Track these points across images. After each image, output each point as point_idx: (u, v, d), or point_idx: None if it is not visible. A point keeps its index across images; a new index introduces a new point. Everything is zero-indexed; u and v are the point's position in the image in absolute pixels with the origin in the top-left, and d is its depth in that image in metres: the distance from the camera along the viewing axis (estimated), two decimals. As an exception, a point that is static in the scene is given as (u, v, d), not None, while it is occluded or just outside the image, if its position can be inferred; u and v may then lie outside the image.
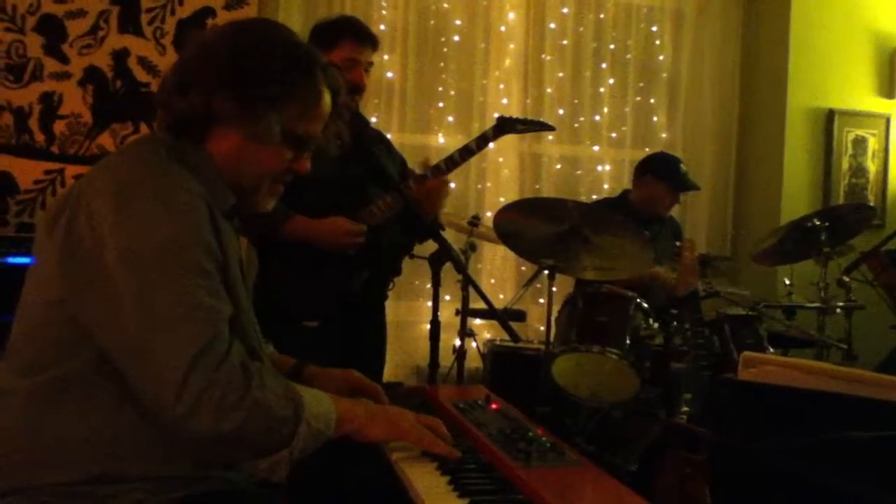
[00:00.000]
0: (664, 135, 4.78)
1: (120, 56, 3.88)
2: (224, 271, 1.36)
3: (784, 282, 3.77)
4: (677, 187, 3.76)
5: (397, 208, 2.72)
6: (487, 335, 4.16)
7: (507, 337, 2.50)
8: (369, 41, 2.76)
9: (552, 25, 4.57)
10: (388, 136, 4.33)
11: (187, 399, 1.21)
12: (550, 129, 3.04)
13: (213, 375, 1.23)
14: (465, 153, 2.80)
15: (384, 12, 4.37)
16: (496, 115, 2.93)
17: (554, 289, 2.90)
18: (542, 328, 3.29)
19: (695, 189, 3.92)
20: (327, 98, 1.49)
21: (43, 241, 1.36)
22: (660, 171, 3.78)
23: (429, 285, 2.55)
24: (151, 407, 1.26)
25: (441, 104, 4.44)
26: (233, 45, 1.42)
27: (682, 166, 3.83)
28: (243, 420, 1.25)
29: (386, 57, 4.36)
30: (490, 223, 3.26)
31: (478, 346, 3.75)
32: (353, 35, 2.72)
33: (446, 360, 3.18)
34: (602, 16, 4.64)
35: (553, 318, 2.96)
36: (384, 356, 2.98)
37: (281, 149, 1.46)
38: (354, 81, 2.70)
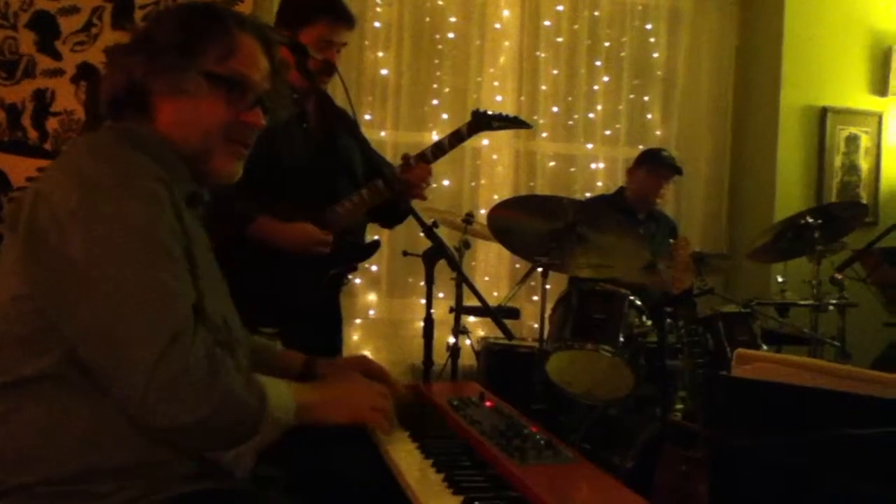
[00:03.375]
0: (658, 132, 4.78)
1: (113, 53, 3.86)
2: (190, 257, 1.36)
3: (777, 279, 3.78)
4: (656, 168, 3.92)
5: (364, 209, 2.64)
6: (481, 332, 4.17)
7: (501, 334, 2.49)
8: (345, 20, 2.61)
9: (547, 23, 4.57)
10: (383, 133, 4.35)
11: (155, 390, 1.21)
12: (527, 126, 2.95)
13: (180, 366, 1.23)
14: (437, 151, 2.70)
15: (378, 9, 4.37)
16: (473, 110, 2.85)
17: (548, 286, 2.90)
18: (536, 325, 3.29)
19: (675, 170, 3.97)
20: (248, 41, 1.48)
21: (9, 238, 1.35)
22: (638, 160, 4.01)
23: (422, 283, 2.54)
24: (119, 399, 1.26)
25: (435, 101, 4.44)
26: (144, 22, 1.50)
27: (665, 152, 3.99)
28: (211, 411, 1.25)
29: (380, 54, 4.35)
30: (484, 221, 3.26)
31: (472, 344, 3.75)
32: (327, 14, 2.57)
33: (440, 357, 3.16)
34: (597, 13, 4.64)
35: (547, 316, 2.96)
36: (340, 347, 2.93)
37: (214, 96, 1.44)
38: (327, 61, 2.55)
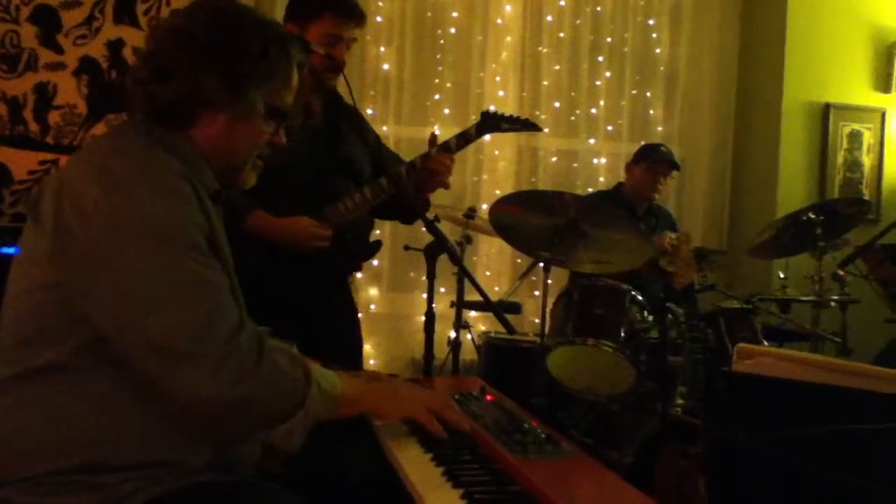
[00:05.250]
0: (660, 128, 4.78)
1: (115, 46, 3.86)
2: (216, 250, 1.37)
3: (779, 275, 3.78)
4: (654, 164, 3.90)
5: (366, 208, 2.60)
6: (483, 327, 4.16)
7: (502, 329, 2.49)
8: (354, 16, 2.55)
9: (549, 18, 4.56)
10: (385, 128, 4.35)
11: (205, 369, 1.24)
12: (537, 129, 2.88)
13: (228, 344, 1.26)
14: (444, 150, 2.62)
15: (381, 4, 4.37)
16: (482, 111, 2.77)
17: (549, 281, 2.89)
18: (537, 320, 3.29)
19: (673, 166, 3.96)
20: (296, 70, 1.51)
21: (28, 230, 1.36)
22: (636, 156, 3.99)
23: (424, 277, 2.54)
24: (167, 385, 1.27)
25: (437, 96, 4.43)
26: (210, 27, 1.41)
27: (662, 148, 3.97)
28: (260, 383, 1.29)
29: (382, 49, 4.35)
30: (486, 216, 3.26)
31: (473, 339, 3.75)
32: (335, 9, 2.52)
33: (441, 352, 3.18)
34: (599, 9, 4.63)
35: (548, 311, 2.96)
36: (359, 348, 2.86)
37: (265, 124, 1.48)
38: (334, 59, 2.53)
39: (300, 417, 1.34)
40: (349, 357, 2.69)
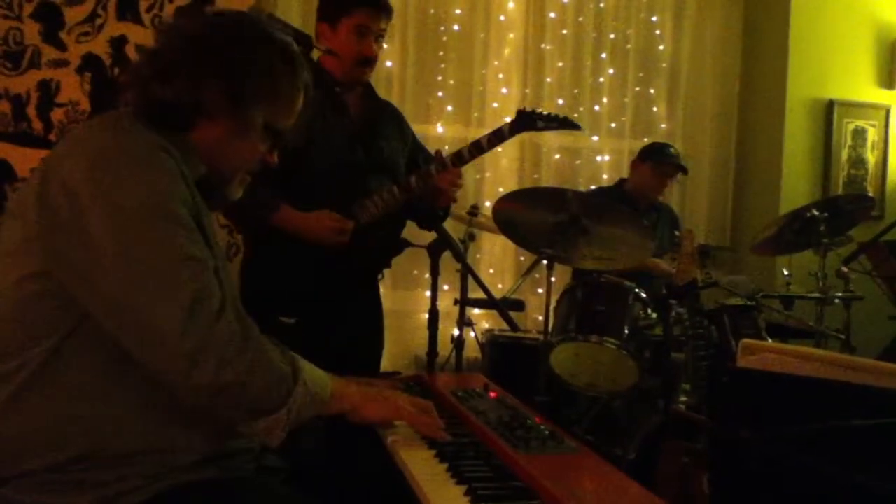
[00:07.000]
0: (664, 125, 4.77)
1: (118, 44, 3.86)
2: (202, 229, 1.36)
3: (783, 272, 3.77)
4: (661, 165, 3.89)
5: (395, 205, 2.60)
6: (486, 325, 4.16)
7: (505, 326, 2.49)
8: (385, 10, 2.62)
9: (552, 15, 4.56)
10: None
11: (187, 350, 1.22)
12: (576, 127, 2.83)
13: (211, 327, 1.24)
14: (475, 150, 2.65)
15: (383, 1, 4.35)
16: (519, 109, 2.73)
17: (552, 279, 2.89)
18: (540, 318, 3.28)
19: (680, 169, 3.95)
20: (302, 94, 1.50)
21: (10, 222, 1.34)
22: (643, 154, 3.97)
23: (427, 275, 2.54)
24: (151, 366, 1.27)
25: (440, 94, 4.43)
26: (222, 37, 1.42)
27: (671, 149, 3.94)
28: (244, 372, 1.26)
29: (385, 46, 4.33)
30: (489, 213, 3.25)
31: (476, 336, 3.75)
32: (365, 4, 2.58)
33: (445, 349, 3.17)
34: (602, 5, 4.62)
35: (552, 308, 2.96)
36: (380, 347, 2.89)
37: (260, 142, 1.48)
38: (364, 54, 2.58)
39: (283, 415, 1.32)
40: (367, 354, 2.72)
